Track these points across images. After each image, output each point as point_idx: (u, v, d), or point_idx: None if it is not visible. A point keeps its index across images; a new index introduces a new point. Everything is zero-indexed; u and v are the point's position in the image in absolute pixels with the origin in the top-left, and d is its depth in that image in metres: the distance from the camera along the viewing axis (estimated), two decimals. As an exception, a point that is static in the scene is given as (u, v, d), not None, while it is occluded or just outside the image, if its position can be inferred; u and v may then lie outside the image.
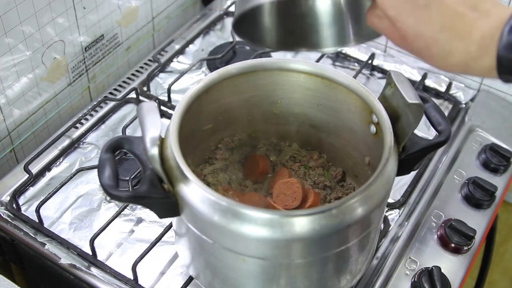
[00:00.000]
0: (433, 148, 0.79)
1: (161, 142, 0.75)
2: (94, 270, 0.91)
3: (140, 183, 0.72)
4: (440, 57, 0.61)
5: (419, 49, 0.62)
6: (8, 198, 1.00)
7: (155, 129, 0.70)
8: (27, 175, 1.02)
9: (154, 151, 0.70)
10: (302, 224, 0.68)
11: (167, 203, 0.73)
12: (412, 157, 0.79)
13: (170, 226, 0.94)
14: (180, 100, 0.80)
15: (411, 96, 0.75)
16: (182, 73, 1.20)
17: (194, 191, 0.70)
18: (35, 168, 1.04)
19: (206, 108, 0.85)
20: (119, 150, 0.76)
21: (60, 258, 0.92)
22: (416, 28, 0.61)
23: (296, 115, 0.92)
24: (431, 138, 0.82)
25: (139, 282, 0.89)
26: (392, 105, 0.79)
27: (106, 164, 0.73)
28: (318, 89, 0.87)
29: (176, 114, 0.77)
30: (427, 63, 0.63)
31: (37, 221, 0.96)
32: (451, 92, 1.22)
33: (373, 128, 0.82)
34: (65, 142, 1.09)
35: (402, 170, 0.79)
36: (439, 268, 0.88)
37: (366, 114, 0.82)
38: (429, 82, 1.24)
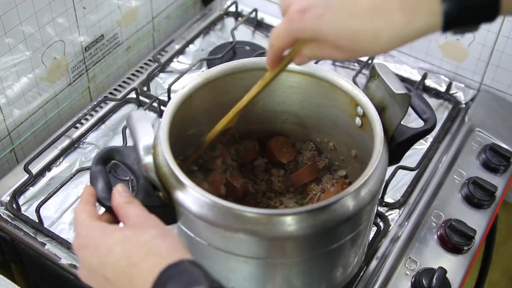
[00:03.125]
0: (420, 136, 0.81)
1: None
2: (94, 270, 0.91)
3: (135, 193, 0.71)
4: (370, 42, 0.58)
5: (348, 47, 0.60)
6: (8, 198, 1.00)
7: (148, 137, 0.70)
8: (27, 175, 1.02)
9: (148, 159, 0.69)
10: (303, 220, 0.68)
11: (164, 211, 0.72)
12: (401, 147, 0.81)
13: (170, 226, 0.94)
14: (167, 106, 0.79)
15: (397, 87, 0.76)
16: (182, 73, 1.20)
17: (191, 197, 0.70)
18: (35, 168, 1.04)
19: (190, 112, 0.84)
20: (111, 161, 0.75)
21: (60, 258, 0.92)
22: (332, 30, 0.59)
23: (279, 114, 0.92)
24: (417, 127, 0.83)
25: (139, 282, 0.89)
26: (377, 97, 0.80)
27: (98, 177, 0.72)
28: (300, 86, 0.87)
29: (165, 120, 0.77)
30: (365, 55, 0.61)
31: (37, 221, 0.96)
32: (451, 92, 1.22)
33: (358, 121, 0.83)
34: (65, 142, 1.09)
35: (391, 160, 0.80)
36: (444, 271, 0.88)
37: (351, 108, 0.82)
38: (429, 82, 1.24)
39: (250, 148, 0.93)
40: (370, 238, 0.94)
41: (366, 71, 1.26)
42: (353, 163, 0.88)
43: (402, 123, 0.79)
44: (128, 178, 1.01)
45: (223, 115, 0.90)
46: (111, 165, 1.03)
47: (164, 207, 0.72)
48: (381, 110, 0.79)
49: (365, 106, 0.79)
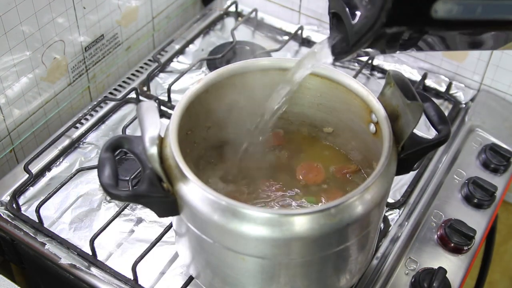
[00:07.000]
0: (432, 147, 0.79)
1: (161, 141, 0.75)
2: (94, 270, 0.91)
3: (140, 182, 0.72)
4: None
5: None
6: (8, 198, 1.00)
7: (154, 128, 0.70)
8: (27, 175, 1.02)
9: (153, 150, 0.70)
10: (301, 223, 0.68)
11: (167, 202, 0.73)
12: (412, 157, 0.79)
13: (170, 226, 0.94)
14: (180, 99, 0.80)
15: (410, 96, 0.75)
16: (182, 73, 1.20)
17: (193, 190, 0.71)
18: (35, 168, 1.04)
19: (206, 107, 0.85)
20: (119, 150, 0.76)
21: (60, 258, 0.92)
22: None
23: (296, 115, 0.92)
24: (430, 137, 0.82)
25: (139, 282, 0.89)
26: (391, 104, 0.79)
27: (106, 163, 0.73)
28: (317, 89, 0.87)
29: (176, 113, 0.78)
30: None
31: (37, 221, 0.96)
32: (451, 92, 1.22)
33: (372, 128, 0.82)
34: (65, 142, 1.09)
35: (401, 169, 0.79)
36: (444, 271, 0.88)
37: (366, 114, 0.82)
38: (429, 82, 1.24)
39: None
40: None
41: (366, 71, 1.26)
42: (365, 168, 0.88)
43: (418, 133, 0.78)
44: (128, 178, 1.01)
45: (241, 112, 0.90)
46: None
47: (166, 198, 0.73)
48: (394, 118, 0.78)
49: (378, 113, 0.78)
